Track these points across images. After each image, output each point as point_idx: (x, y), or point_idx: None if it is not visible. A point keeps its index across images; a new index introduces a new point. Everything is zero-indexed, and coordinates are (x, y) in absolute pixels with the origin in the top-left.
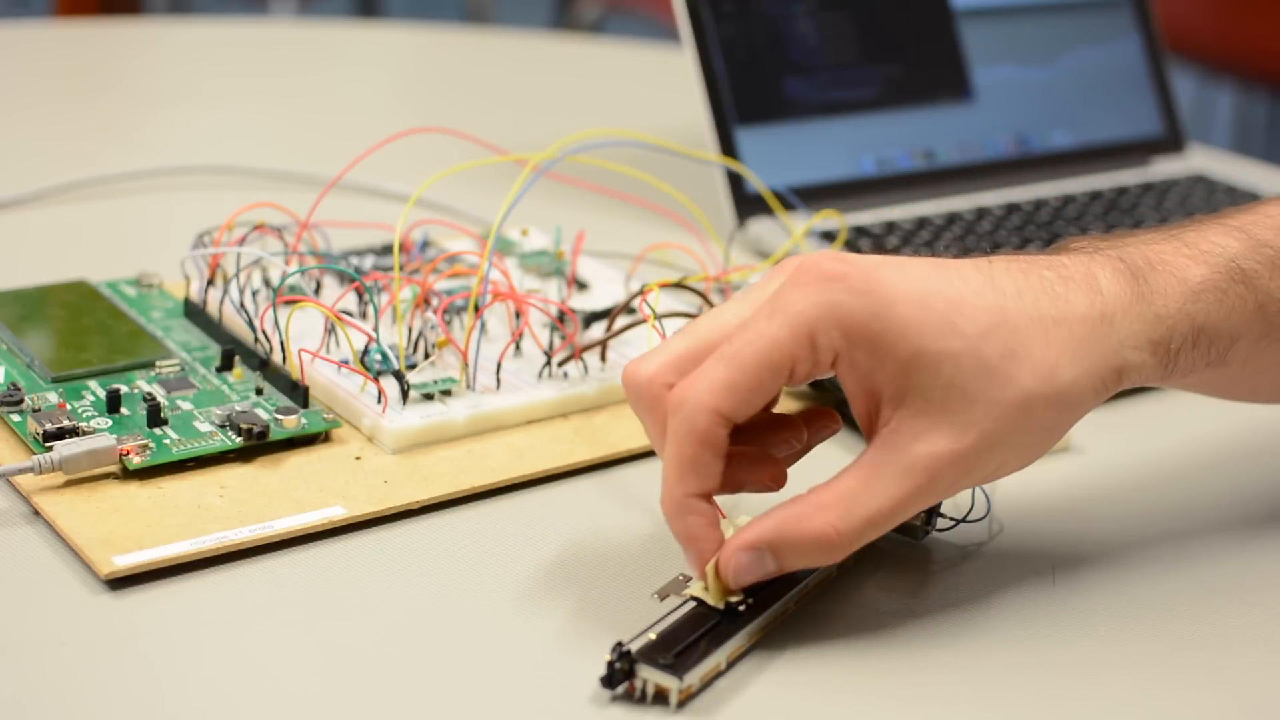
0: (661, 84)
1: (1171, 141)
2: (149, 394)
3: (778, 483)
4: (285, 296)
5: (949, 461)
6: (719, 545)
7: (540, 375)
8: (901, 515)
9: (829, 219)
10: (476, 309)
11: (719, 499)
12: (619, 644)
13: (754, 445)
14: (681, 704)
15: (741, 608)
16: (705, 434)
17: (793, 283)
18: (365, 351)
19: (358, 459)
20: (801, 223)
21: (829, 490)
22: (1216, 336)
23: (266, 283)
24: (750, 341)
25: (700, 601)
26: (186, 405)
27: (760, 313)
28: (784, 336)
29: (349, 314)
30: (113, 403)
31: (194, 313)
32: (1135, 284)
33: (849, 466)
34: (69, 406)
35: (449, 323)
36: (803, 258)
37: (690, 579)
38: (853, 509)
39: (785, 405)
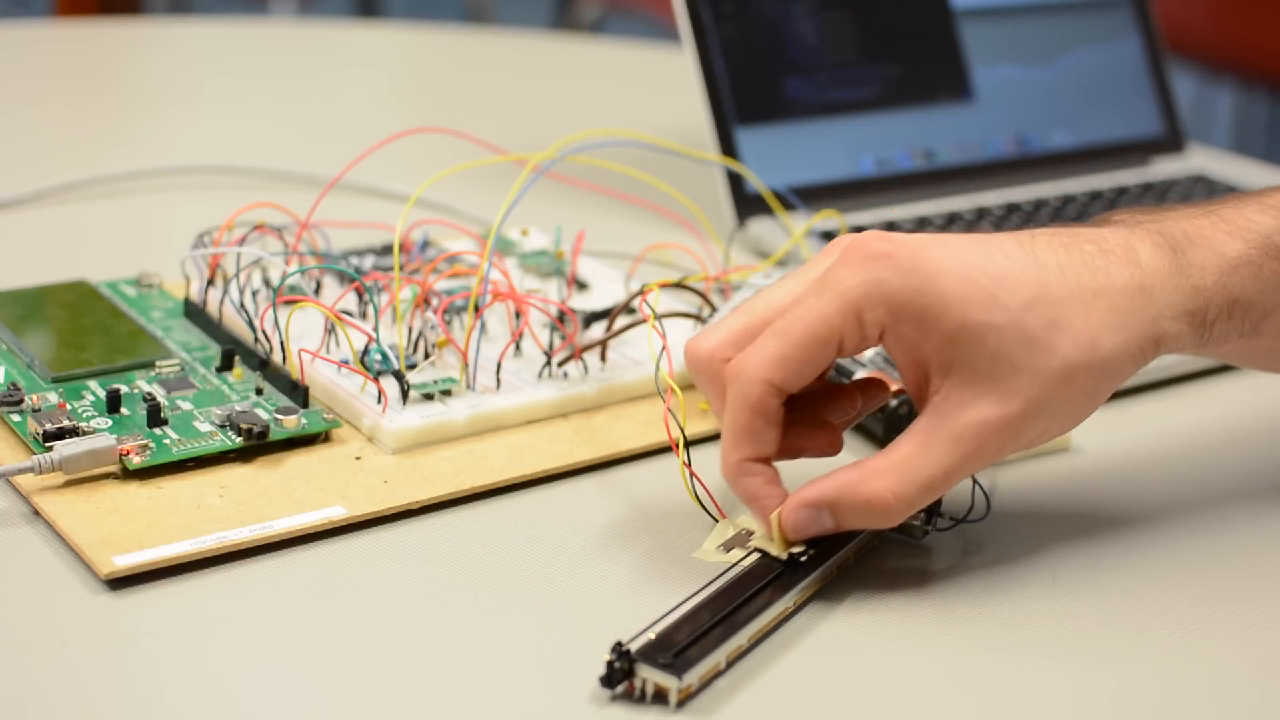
0: (661, 84)
1: (1171, 141)
2: (149, 394)
3: (834, 448)
4: (285, 296)
5: (996, 428)
6: (780, 501)
7: (540, 375)
8: (954, 480)
9: (829, 219)
10: (476, 309)
11: (719, 499)
12: (618, 644)
13: (812, 413)
14: (681, 704)
15: (803, 558)
16: (759, 403)
17: (841, 262)
18: (365, 351)
19: (358, 459)
20: (801, 223)
21: (886, 457)
22: (1250, 309)
23: (266, 283)
24: (800, 317)
25: (764, 553)
26: (186, 405)
27: (810, 290)
28: (832, 312)
29: (349, 314)
30: (113, 403)
31: (194, 313)
32: (1174, 257)
33: (903, 435)
34: (69, 406)
35: (449, 323)
36: (851, 238)
37: (754, 533)
38: (908, 475)
39: None
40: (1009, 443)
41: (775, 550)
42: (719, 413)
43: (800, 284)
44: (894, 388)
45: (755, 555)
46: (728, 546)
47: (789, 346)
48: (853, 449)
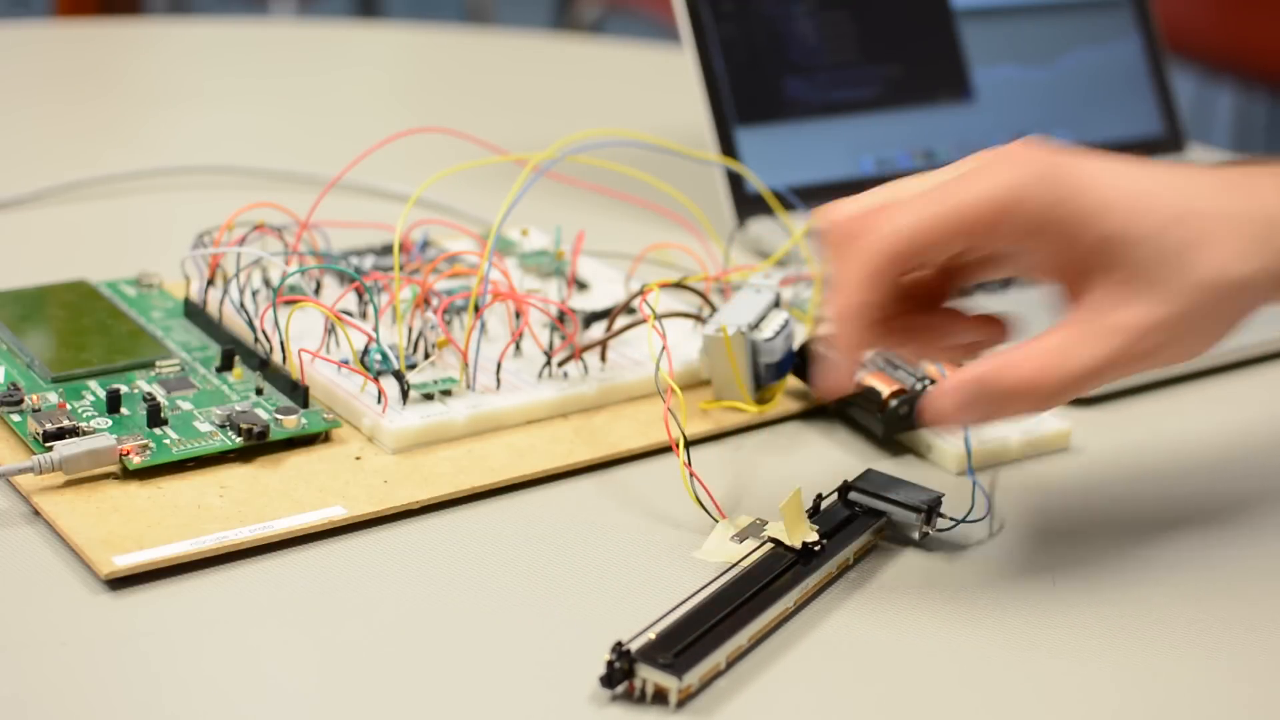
0: (661, 84)
1: (1171, 141)
2: (149, 394)
3: (999, 335)
4: (285, 296)
5: (1150, 327)
6: (850, 375)
7: (540, 375)
8: (1105, 377)
9: None
10: (476, 309)
11: (720, 499)
12: (618, 644)
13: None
14: (681, 704)
15: (817, 548)
16: (879, 262)
17: (993, 159)
18: (365, 351)
19: (358, 459)
20: (801, 223)
21: (1037, 344)
22: None
23: (266, 283)
24: (943, 199)
25: (778, 543)
26: (186, 405)
27: (958, 177)
28: (975, 200)
29: (349, 314)
30: (113, 403)
31: (194, 313)
32: None
33: (1051, 328)
34: (69, 406)
35: (449, 323)
36: (1005, 147)
37: (767, 523)
38: (1063, 361)
39: (785, 406)
40: (1158, 349)
41: (789, 540)
42: (841, 281)
43: (949, 173)
44: (893, 388)
45: (755, 555)
46: (741, 536)
47: (923, 220)
48: (853, 449)
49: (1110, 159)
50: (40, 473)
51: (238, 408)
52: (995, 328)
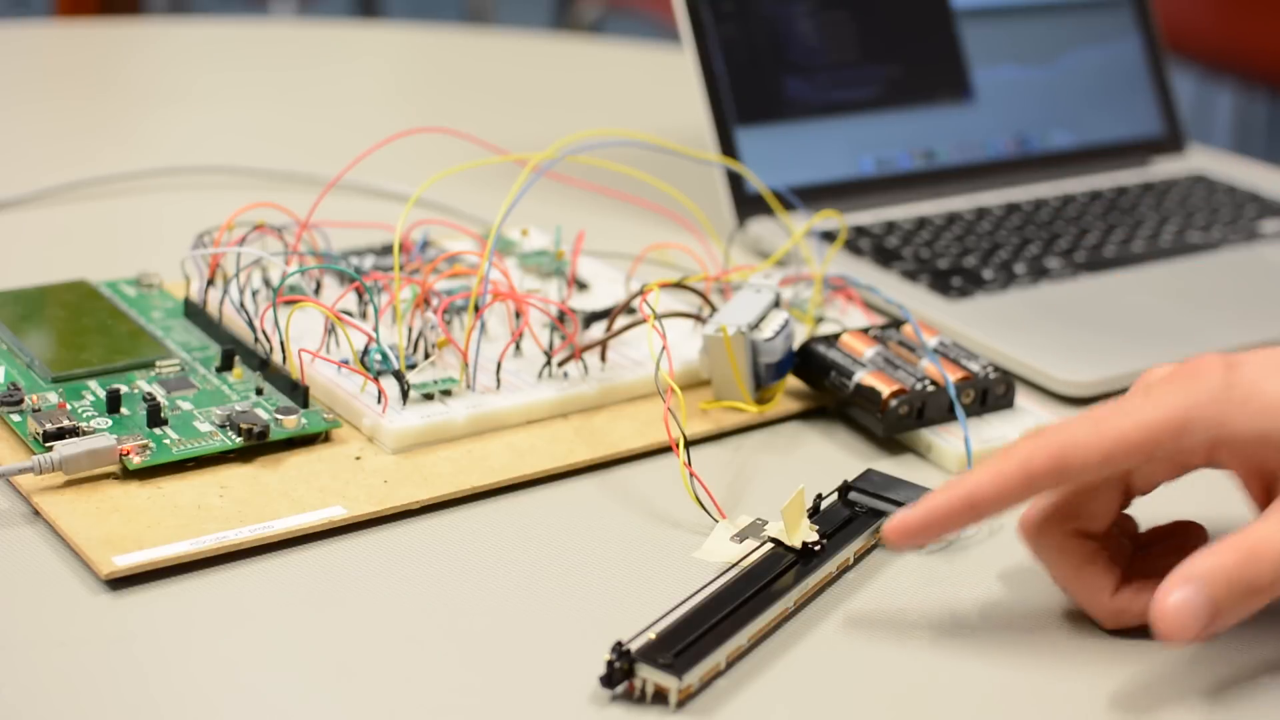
0: (661, 84)
1: (1171, 141)
2: (149, 394)
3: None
4: (285, 296)
5: None
6: (939, 522)
7: (540, 375)
8: None
9: (829, 219)
10: (476, 309)
11: (720, 499)
12: (619, 644)
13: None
14: (681, 704)
15: (816, 548)
16: (1034, 470)
17: (1169, 379)
18: (365, 351)
19: (358, 459)
20: (801, 223)
21: (1241, 535)
22: None
23: (266, 283)
24: (1122, 416)
25: (778, 543)
26: (186, 405)
27: (1137, 395)
28: (1154, 420)
29: (349, 314)
30: (113, 403)
31: (194, 313)
32: None
33: (1259, 519)
34: (69, 406)
35: (449, 323)
36: (1180, 364)
37: (767, 522)
38: (1272, 543)
39: (785, 406)
40: None
41: (789, 540)
42: (989, 466)
43: (1129, 394)
44: (893, 388)
45: (755, 555)
46: (741, 536)
47: (1098, 436)
48: (852, 449)
49: (1267, 357)
50: (40, 473)
51: (238, 408)
52: (1194, 529)
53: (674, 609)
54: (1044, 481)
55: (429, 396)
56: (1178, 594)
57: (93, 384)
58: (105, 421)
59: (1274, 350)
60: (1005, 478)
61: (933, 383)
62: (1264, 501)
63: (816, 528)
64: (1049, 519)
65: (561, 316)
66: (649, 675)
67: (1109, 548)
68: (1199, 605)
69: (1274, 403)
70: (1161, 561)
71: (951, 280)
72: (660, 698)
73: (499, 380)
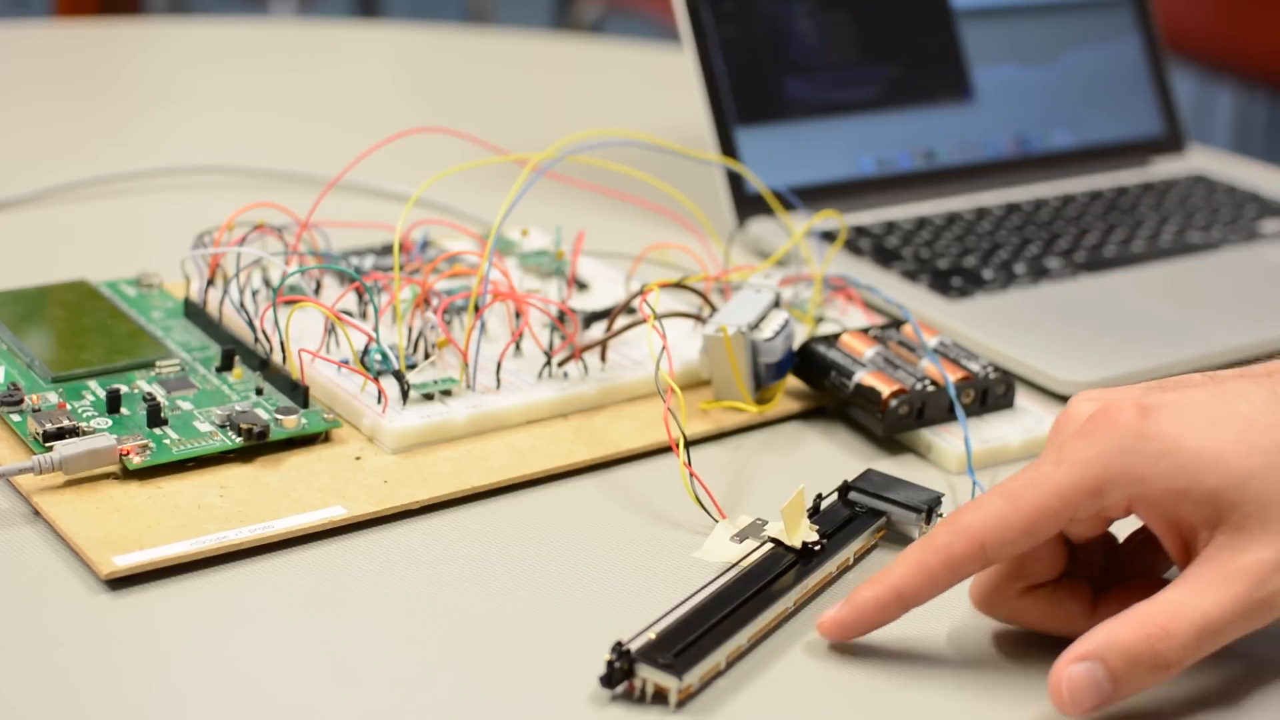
0: (661, 84)
1: (1171, 141)
2: (149, 394)
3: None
4: (285, 296)
5: (1273, 568)
6: (870, 617)
7: (540, 375)
8: (1233, 627)
9: (829, 219)
10: (476, 309)
11: (720, 499)
12: (619, 643)
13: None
14: (681, 704)
15: (817, 548)
16: (956, 561)
17: (1081, 433)
18: (365, 351)
19: (358, 459)
20: (801, 223)
21: (1152, 604)
22: None
23: (266, 283)
24: (1034, 484)
25: (778, 543)
26: (186, 405)
27: (1048, 458)
28: (1068, 485)
29: (349, 314)
30: (113, 403)
31: (194, 313)
32: None
33: (1172, 584)
34: (69, 406)
35: (449, 323)
36: (1094, 407)
37: (767, 522)
38: (1181, 614)
39: (785, 406)
40: None
41: (789, 540)
42: (903, 559)
43: (1043, 454)
44: (893, 388)
45: (755, 555)
46: (741, 536)
47: (1013, 512)
48: (852, 449)
49: (1191, 399)
50: (40, 473)
51: (238, 408)
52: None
53: (674, 609)
54: (969, 567)
55: (429, 396)
56: (1075, 668)
57: (93, 384)
58: (105, 421)
59: (1191, 392)
60: (929, 569)
61: (933, 383)
62: (1183, 559)
63: (816, 528)
64: (995, 588)
65: (561, 316)
66: (649, 675)
67: (1070, 577)
68: (1097, 681)
69: (1190, 458)
70: (1139, 558)
71: (951, 280)
72: (660, 698)
73: (499, 380)
